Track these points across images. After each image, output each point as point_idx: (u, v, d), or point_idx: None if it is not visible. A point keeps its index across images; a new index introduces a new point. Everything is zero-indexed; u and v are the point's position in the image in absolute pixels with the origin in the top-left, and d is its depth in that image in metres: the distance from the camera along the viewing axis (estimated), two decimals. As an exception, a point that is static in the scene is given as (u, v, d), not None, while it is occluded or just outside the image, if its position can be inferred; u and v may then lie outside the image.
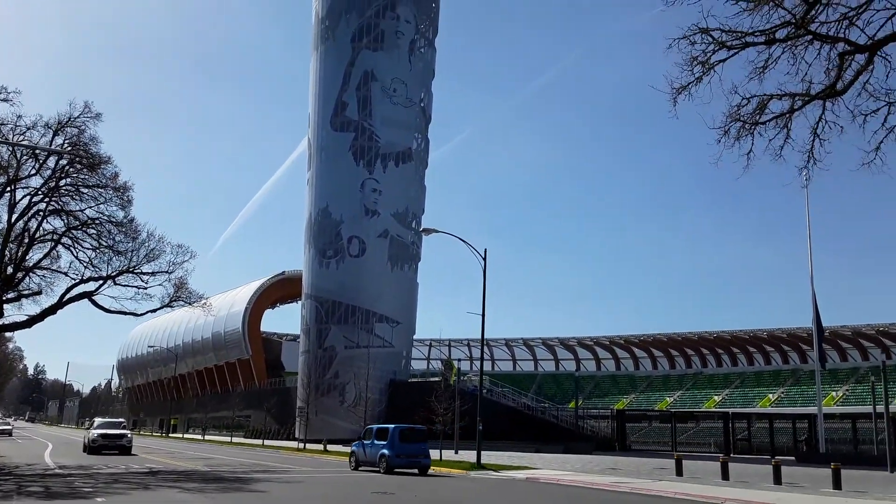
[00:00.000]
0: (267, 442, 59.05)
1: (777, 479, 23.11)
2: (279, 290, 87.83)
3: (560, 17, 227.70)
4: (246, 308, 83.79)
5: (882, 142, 16.31)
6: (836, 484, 21.27)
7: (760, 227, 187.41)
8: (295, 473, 25.08)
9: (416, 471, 26.75)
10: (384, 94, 64.16)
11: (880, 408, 39.36)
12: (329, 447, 46.09)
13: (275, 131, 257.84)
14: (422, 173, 66.68)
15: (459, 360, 72.80)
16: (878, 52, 14.33)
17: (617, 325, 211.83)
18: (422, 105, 66.78)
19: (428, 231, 33.89)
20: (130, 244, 32.26)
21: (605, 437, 58.19)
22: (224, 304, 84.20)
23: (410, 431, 27.66)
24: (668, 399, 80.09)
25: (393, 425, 28.71)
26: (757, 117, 14.51)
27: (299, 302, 70.38)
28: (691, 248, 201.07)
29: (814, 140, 16.36)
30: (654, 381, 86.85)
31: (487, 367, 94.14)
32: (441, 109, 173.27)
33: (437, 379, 54.42)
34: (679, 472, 26.06)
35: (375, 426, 30.09)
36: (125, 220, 31.85)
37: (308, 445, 49.14)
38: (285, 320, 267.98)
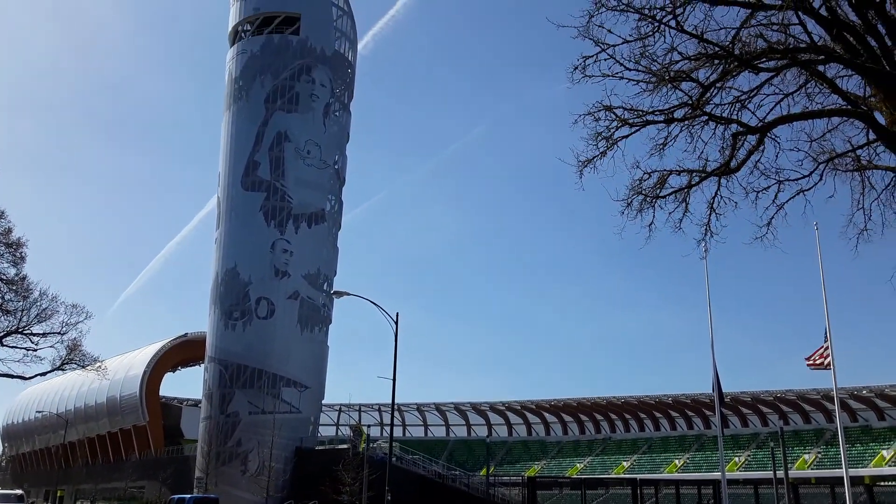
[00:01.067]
0: (162, 515, 55.91)
1: (682, 547, 23.39)
2: (181, 353, 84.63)
3: (475, 84, 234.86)
4: (144, 371, 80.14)
5: (773, 218, 17.31)
6: (738, 551, 21.71)
7: (665, 295, 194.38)
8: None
9: None
10: (297, 155, 64.07)
11: (780, 473, 40.79)
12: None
13: (182, 190, 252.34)
14: (335, 235, 66.43)
15: (369, 425, 71.36)
16: (768, 134, 15.37)
17: (528, 390, 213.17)
18: (336, 167, 67.00)
19: (339, 294, 33.65)
20: (21, 303, 30.73)
21: (515, 504, 57.75)
22: (121, 367, 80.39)
23: (203, 500, 36.58)
24: (578, 465, 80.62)
25: (189, 496, 36.79)
26: (657, 191, 15.23)
27: (202, 365, 67.99)
28: (600, 314, 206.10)
29: (710, 214, 17.20)
30: (565, 447, 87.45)
31: (398, 432, 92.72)
32: (356, 171, 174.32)
33: (345, 446, 53.15)
34: (588, 542, 26.06)
35: (177, 496, 38.14)
36: (17, 278, 30.38)
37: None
38: (186, 384, 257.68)
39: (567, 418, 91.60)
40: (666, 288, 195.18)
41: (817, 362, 41.78)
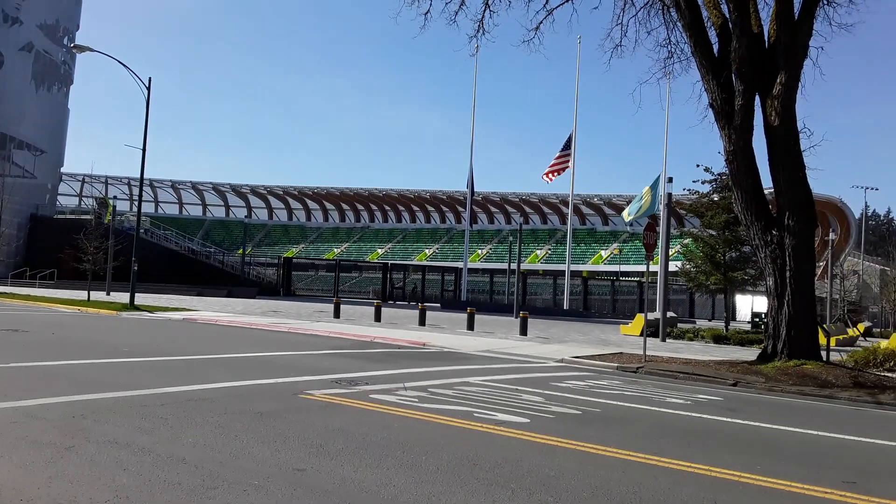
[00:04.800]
0: None
1: (422, 322, 25.73)
2: None
3: None
4: None
5: (542, 23, 17.79)
6: (470, 325, 24.30)
7: (433, 92, 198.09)
8: None
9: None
10: None
11: (515, 265, 45.44)
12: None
13: None
14: (79, -19, 58.16)
15: (116, 197, 67.40)
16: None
17: (291, 175, 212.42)
18: None
19: (81, 48, 29.82)
20: None
21: (270, 282, 59.26)
22: None
23: None
24: (335, 250, 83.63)
25: None
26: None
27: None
28: (368, 105, 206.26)
29: (485, 10, 17.29)
30: (325, 233, 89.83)
31: (150, 208, 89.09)
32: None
33: (88, 217, 50.05)
34: (337, 315, 27.66)
35: None
36: None
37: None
38: None
39: (328, 206, 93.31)
40: (434, 88, 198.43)
41: (553, 168, 45.72)
